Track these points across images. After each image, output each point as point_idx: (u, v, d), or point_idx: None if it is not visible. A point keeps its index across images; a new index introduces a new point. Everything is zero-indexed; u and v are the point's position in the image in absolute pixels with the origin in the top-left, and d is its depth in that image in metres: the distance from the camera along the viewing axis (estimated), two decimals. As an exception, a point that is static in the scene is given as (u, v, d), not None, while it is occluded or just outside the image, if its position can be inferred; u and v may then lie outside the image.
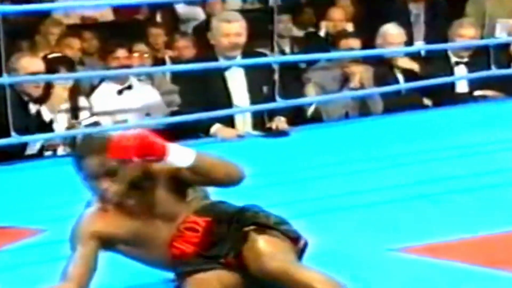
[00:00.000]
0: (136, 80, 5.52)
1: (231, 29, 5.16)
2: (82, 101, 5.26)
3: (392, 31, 5.99)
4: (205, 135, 5.10)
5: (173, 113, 5.30)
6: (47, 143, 5.00)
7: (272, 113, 5.29)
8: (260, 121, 5.30)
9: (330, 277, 2.64)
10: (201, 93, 5.11)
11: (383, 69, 5.90)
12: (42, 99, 5.02)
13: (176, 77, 5.61)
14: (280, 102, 5.22)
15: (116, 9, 7.53)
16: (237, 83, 5.21)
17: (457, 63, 6.10)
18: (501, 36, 6.64)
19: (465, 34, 6.11)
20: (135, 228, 2.77)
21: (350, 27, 6.84)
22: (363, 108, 5.72)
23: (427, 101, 6.03)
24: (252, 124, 5.28)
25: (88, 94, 5.38)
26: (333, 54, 5.85)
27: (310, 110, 5.67)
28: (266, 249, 2.66)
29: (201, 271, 2.74)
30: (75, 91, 5.24)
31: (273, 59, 5.40)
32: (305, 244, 2.82)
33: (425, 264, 3.17)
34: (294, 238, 2.78)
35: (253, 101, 5.23)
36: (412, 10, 6.72)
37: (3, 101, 4.62)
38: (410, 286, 3.00)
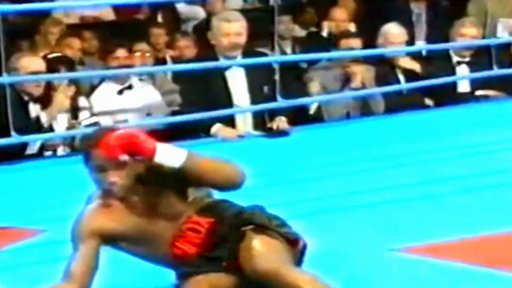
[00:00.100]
0: (136, 80, 5.52)
1: (231, 28, 5.16)
2: (82, 101, 5.25)
3: (393, 30, 5.98)
4: (206, 135, 5.09)
5: (173, 113, 5.29)
6: (47, 143, 4.99)
7: (273, 113, 5.28)
8: (260, 121, 5.29)
9: (321, 279, 2.60)
10: (201, 93, 5.10)
11: (385, 69, 5.89)
12: (42, 99, 5.01)
13: (177, 76, 5.61)
14: (281, 102, 5.22)
15: (117, 9, 7.52)
16: (237, 83, 5.21)
17: (459, 63, 6.10)
18: (502, 36, 6.63)
19: (467, 33, 6.10)
20: (137, 225, 2.75)
21: (352, 27, 6.83)
22: (364, 108, 5.72)
23: (428, 102, 6.03)
24: (252, 124, 5.27)
25: (88, 94, 5.37)
26: (334, 54, 5.84)
27: (313, 108, 5.66)
28: (260, 249, 2.65)
29: (202, 273, 2.73)
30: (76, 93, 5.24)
31: (273, 58, 5.39)
32: (304, 246, 2.80)
33: (426, 264, 3.16)
34: (292, 240, 2.75)
35: (254, 101, 5.22)
36: (414, 9, 6.71)
37: (3, 101, 4.62)
38: (411, 286, 2.99)
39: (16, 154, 4.73)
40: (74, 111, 5.17)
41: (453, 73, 6.07)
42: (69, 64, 5.33)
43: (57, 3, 5.65)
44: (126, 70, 5.42)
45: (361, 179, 4.23)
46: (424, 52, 6.35)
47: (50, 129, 5.01)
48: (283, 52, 6.25)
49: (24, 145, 4.81)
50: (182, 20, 7.42)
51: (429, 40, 6.54)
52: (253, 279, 2.63)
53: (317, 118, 5.65)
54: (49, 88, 5.05)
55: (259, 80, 5.25)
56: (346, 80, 5.69)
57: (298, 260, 2.77)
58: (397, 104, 5.76)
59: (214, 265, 2.74)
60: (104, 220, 2.73)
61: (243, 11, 6.34)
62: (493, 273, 3.05)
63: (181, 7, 7.43)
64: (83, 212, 2.76)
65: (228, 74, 5.20)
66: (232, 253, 2.71)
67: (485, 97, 6.07)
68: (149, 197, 2.74)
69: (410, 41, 6.24)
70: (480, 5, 6.91)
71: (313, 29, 7.27)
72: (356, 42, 5.78)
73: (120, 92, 5.42)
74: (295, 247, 2.76)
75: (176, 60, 6.28)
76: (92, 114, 5.23)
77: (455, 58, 6.10)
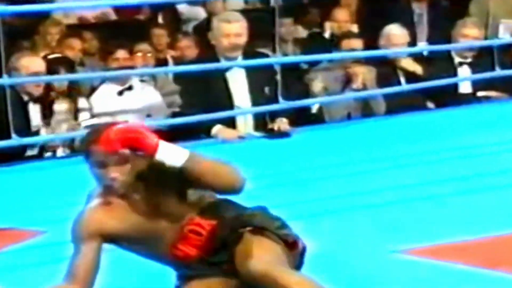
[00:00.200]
0: (137, 81, 5.51)
1: (231, 29, 5.15)
2: (82, 102, 5.24)
3: (395, 31, 5.97)
4: (206, 136, 5.08)
5: (174, 114, 5.28)
6: (47, 144, 4.99)
7: (274, 114, 5.27)
8: (261, 122, 5.28)
9: (315, 282, 2.58)
10: (202, 94, 5.10)
11: (386, 70, 5.87)
12: (42, 99, 5.00)
13: (178, 77, 5.60)
14: (282, 103, 5.21)
15: (117, 9, 7.51)
16: (238, 84, 5.20)
17: (461, 64, 6.08)
18: (504, 36, 6.62)
19: (469, 34, 6.09)
20: (138, 225, 2.72)
21: (355, 28, 6.82)
22: (365, 109, 5.71)
23: (430, 105, 6.01)
24: (253, 125, 5.27)
25: (88, 95, 5.36)
26: (335, 55, 5.82)
27: (315, 107, 5.65)
28: (255, 252, 2.63)
29: (202, 277, 2.71)
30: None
31: (274, 60, 5.38)
32: (304, 249, 2.78)
33: (427, 265, 3.16)
34: (292, 242, 2.74)
35: (255, 102, 5.21)
36: (415, 9, 6.70)
37: (3, 103, 4.61)
38: (413, 288, 2.98)
39: (16, 155, 4.72)
40: (74, 112, 5.16)
41: (455, 74, 6.06)
42: (69, 65, 5.32)
43: (56, 4, 5.64)
44: (126, 71, 5.40)
45: (362, 180, 4.23)
46: (425, 53, 6.33)
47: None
48: (285, 53, 6.24)
49: (24, 146, 4.79)
50: (182, 21, 7.41)
51: (431, 40, 6.53)
52: (249, 282, 2.61)
53: (318, 119, 5.64)
54: (49, 88, 5.04)
55: (260, 81, 5.24)
56: (347, 81, 5.68)
57: (297, 263, 2.76)
58: (398, 105, 5.75)
59: (214, 269, 2.72)
60: (105, 220, 2.70)
61: (244, 12, 6.33)
62: (495, 275, 3.04)
63: (182, 7, 7.43)
64: (83, 211, 2.73)
65: (228, 75, 5.19)
66: (231, 255, 2.69)
67: (487, 98, 6.06)
68: (150, 196, 2.71)
69: (412, 42, 6.22)
70: (482, 5, 6.90)
71: (316, 29, 7.26)
72: (358, 43, 5.77)
73: (120, 93, 5.41)
74: (294, 250, 2.75)
75: (177, 60, 6.27)
76: (92, 115, 5.22)
77: (457, 59, 6.09)
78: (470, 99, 6.01)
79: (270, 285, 2.54)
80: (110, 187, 2.68)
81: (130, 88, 5.44)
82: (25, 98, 4.97)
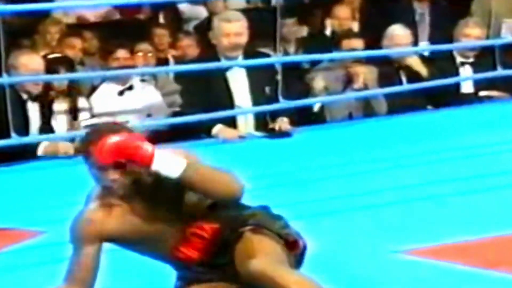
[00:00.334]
0: (137, 81, 5.50)
1: (232, 29, 5.14)
2: (82, 102, 5.23)
3: (398, 32, 5.95)
4: (207, 136, 5.07)
5: (175, 114, 5.27)
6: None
7: (275, 114, 5.26)
8: (262, 122, 5.27)
9: (315, 282, 2.57)
10: (203, 94, 5.09)
11: (388, 69, 5.86)
12: (41, 98, 4.99)
13: (179, 77, 5.59)
14: (283, 103, 5.20)
15: (119, 9, 7.50)
16: (239, 83, 5.19)
17: (463, 63, 6.07)
18: (506, 36, 6.60)
19: (471, 33, 6.07)
20: (139, 227, 2.70)
21: (356, 26, 6.81)
22: (367, 109, 5.70)
23: (430, 108, 6.00)
24: (254, 125, 5.25)
25: (88, 95, 5.35)
26: (336, 55, 5.81)
27: (317, 106, 5.64)
28: (254, 251, 2.62)
29: (203, 280, 2.71)
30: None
31: (275, 59, 5.37)
32: (304, 247, 2.77)
33: (429, 266, 3.15)
34: (292, 241, 2.73)
35: (255, 102, 5.20)
36: (417, 9, 6.69)
37: (2, 102, 4.60)
38: (414, 289, 2.98)
39: (16, 154, 4.71)
40: (74, 112, 5.15)
41: (456, 73, 6.04)
42: (69, 64, 5.30)
43: (56, 3, 5.63)
44: (127, 70, 5.39)
45: (363, 180, 4.22)
46: (426, 53, 6.32)
47: (51, 130, 5.00)
48: (286, 53, 6.23)
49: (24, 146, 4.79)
50: (184, 20, 7.40)
51: (432, 40, 6.51)
52: (249, 281, 2.60)
53: (320, 119, 5.63)
54: (48, 87, 5.03)
55: (261, 80, 5.23)
56: (348, 81, 5.67)
57: (297, 262, 2.75)
58: (399, 105, 5.73)
59: (215, 272, 2.71)
60: (105, 222, 2.68)
61: (245, 11, 6.33)
62: (496, 275, 3.04)
63: (183, 6, 7.42)
64: (82, 212, 2.71)
65: (229, 74, 5.18)
66: (232, 257, 2.68)
67: (489, 98, 6.05)
68: (151, 198, 2.69)
69: (414, 42, 6.21)
70: (484, 5, 6.88)
71: (317, 27, 7.24)
72: (358, 43, 5.76)
73: (121, 93, 5.40)
74: (295, 249, 2.74)
75: (178, 59, 6.26)
76: (92, 115, 5.21)
77: (459, 59, 6.07)
78: (472, 99, 6.00)
79: (269, 285, 2.53)
80: (110, 188, 2.66)
81: (130, 88, 5.43)
82: (24, 96, 4.96)
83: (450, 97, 5.94)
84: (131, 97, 5.40)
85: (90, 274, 2.66)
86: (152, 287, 3.01)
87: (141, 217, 2.70)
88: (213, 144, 4.94)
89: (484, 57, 6.06)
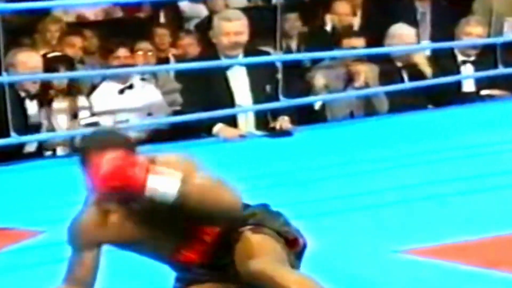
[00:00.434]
0: (137, 79, 5.49)
1: (232, 27, 5.13)
2: (82, 100, 5.22)
3: (401, 31, 5.93)
4: (208, 135, 5.07)
5: (175, 113, 5.27)
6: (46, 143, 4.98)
7: (276, 113, 5.25)
8: (263, 121, 5.26)
9: (314, 282, 2.56)
10: (203, 92, 5.08)
11: (389, 68, 5.84)
12: (39, 96, 4.98)
13: (179, 76, 5.58)
14: (283, 102, 5.19)
15: (120, 7, 7.49)
16: (239, 82, 5.18)
17: (464, 62, 6.06)
18: (508, 34, 6.59)
19: (472, 32, 6.06)
20: (138, 231, 2.68)
21: (356, 21, 6.79)
22: (368, 108, 5.68)
23: (432, 107, 5.99)
24: (255, 123, 5.24)
25: (88, 94, 5.34)
26: (337, 53, 5.80)
27: (318, 104, 5.63)
28: (253, 250, 2.61)
29: (203, 282, 2.70)
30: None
31: (275, 57, 5.36)
32: (304, 245, 2.76)
33: (430, 266, 3.15)
34: (292, 240, 2.72)
35: (256, 101, 5.19)
36: (418, 8, 6.68)
37: (2, 100, 4.59)
38: (414, 289, 2.97)
39: (14, 152, 4.70)
40: (74, 110, 5.15)
41: (458, 72, 6.03)
42: (69, 63, 5.30)
43: (56, 1, 5.62)
44: (127, 69, 5.39)
45: (364, 180, 4.22)
46: (428, 52, 6.31)
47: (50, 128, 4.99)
48: (288, 50, 6.22)
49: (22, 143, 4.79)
50: (184, 19, 7.40)
51: (434, 39, 6.50)
52: (249, 281, 2.59)
53: (320, 117, 5.62)
54: (47, 86, 5.02)
55: (261, 79, 5.22)
56: (349, 79, 5.66)
57: (297, 260, 2.74)
58: (401, 103, 5.72)
59: (215, 274, 2.70)
60: (103, 227, 2.67)
61: (245, 9, 6.32)
62: (497, 275, 3.04)
63: (184, 5, 7.41)
64: (80, 216, 2.70)
65: (229, 73, 5.17)
66: (232, 258, 2.67)
67: (491, 97, 6.04)
68: (150, 204, 2.67)
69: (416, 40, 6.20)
70: (485, 3, 6.87)
71: (317, 23, 7.22)
72: (359, 41, 5.74)
73: (121, 91, 5.39)
74: (295, 247, 2.73)
75: (179, 58, 6.25)
76: (92, 114, 5.21)
77: (460, 57, 6.06)
78: (473, 97, 5.99)
79: (270, 285, 2.53)
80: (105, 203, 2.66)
81: (130, 86, 5.42)
82: (22, 94, 4.96)
83: (452, 96, 5.93)
84: (131, 96, 5.39)
85: (90, 274, 2.65)
86: (152, 287, 3.00)
87: (139, 222, 2.68)
88: (214, 143, 4.94)
89: (486, 56, 6.06)
